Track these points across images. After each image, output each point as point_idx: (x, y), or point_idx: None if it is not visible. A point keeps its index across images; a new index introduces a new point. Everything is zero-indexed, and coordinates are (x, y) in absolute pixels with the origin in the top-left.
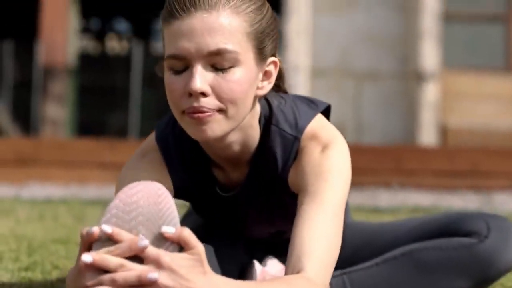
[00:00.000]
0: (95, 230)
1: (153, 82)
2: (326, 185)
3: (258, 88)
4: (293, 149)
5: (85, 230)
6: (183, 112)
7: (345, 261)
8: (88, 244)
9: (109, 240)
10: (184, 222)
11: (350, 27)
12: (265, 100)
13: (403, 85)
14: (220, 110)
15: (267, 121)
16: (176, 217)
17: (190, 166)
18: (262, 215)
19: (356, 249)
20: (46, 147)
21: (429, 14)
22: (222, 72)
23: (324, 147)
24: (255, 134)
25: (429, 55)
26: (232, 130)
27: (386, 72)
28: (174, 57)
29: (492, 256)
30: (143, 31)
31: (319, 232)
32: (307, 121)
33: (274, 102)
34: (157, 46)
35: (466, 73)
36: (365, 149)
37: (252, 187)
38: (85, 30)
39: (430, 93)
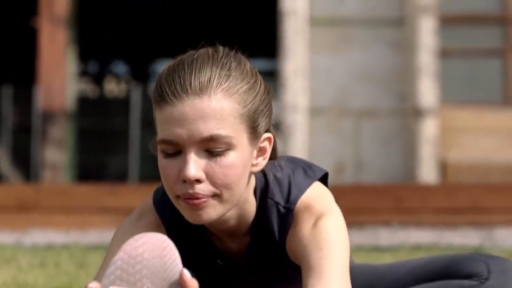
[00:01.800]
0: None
1: (152, 125)
2: (323, 255)
3: (252, 165)
4: (288, 220)
5: (89, 285)
6: (178, 196)
7: None
8: None
9: None
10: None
11: (347, 65)
12: (261, 171)
13: (401, 122)
14: (215, 195)
15: (263, 194)
16: (180, 270)
17: (188, 237)
18: (263, 286)
19: None
20: (47, 193)
21: (426, 50)
22: (216, 157)
23: (318, 218)
24: (251, 208)
25: (427, 91)
26: (228, 211)
27: (384, 109)
28: (167, 142)
29: None
30: (142, 74)
31: None
32: (302, 192)
33: (270, 175)
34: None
35: (464, 108)
36: (364, 188)
37: (252, 258)
38: (83, 73)
39: (429, 129)
